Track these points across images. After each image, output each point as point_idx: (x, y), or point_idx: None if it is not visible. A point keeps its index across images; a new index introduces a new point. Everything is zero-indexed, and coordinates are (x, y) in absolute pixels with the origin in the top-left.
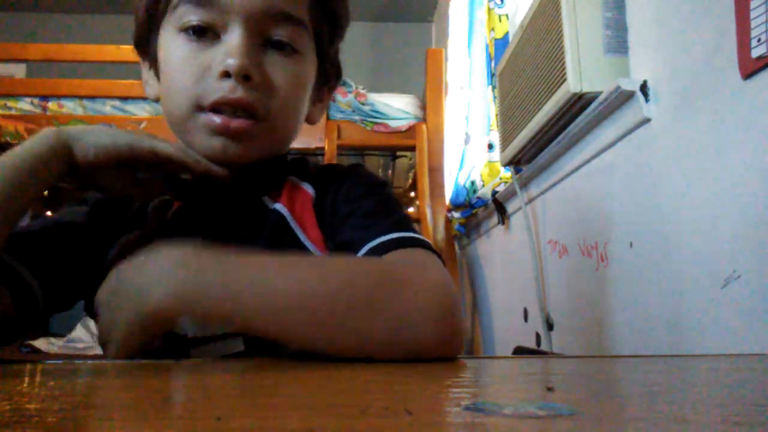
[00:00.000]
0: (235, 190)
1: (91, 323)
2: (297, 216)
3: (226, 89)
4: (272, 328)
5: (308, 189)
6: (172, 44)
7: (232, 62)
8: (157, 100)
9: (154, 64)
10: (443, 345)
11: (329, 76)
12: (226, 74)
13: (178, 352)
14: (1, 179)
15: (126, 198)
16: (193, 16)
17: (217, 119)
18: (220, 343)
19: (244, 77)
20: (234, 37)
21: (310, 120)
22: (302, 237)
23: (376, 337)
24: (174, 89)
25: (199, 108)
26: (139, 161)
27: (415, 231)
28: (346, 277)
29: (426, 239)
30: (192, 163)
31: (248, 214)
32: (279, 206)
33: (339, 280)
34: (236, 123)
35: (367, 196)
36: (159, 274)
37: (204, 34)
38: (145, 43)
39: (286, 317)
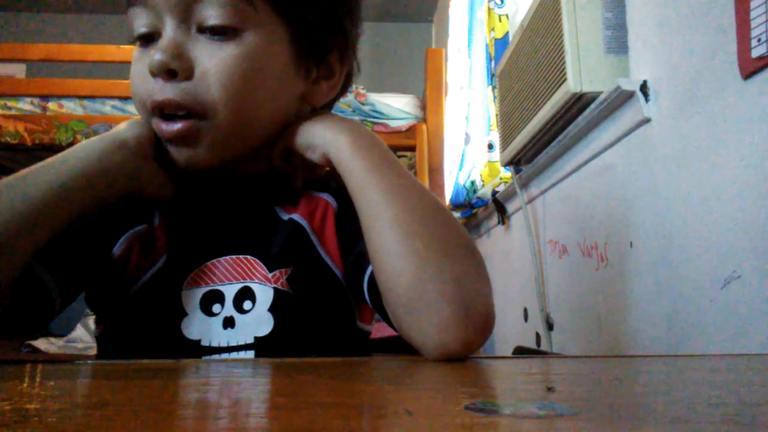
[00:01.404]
0: (245, 196)
1: (91, 323)
2: (315, 228)
3: (156, 90)
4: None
5: (330, 200)
6: (134, 54)
7: (155, 57)
8: None
9: None
10: (474, 328)
11: (325, 45)
12: (153, 73)
13: (188, 357)
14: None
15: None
16: (137, 23)
17: (162, 125)
18: (233, 354)
19: (168, 73)
20: (164, 33)
21: (314, 101)
22: (320, 250)
23: (443, 250)
24: (134, 100)
25: (149, 114)
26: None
27: None
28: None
29: None
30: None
31: (259, 220)
32: (297, 217)
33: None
34: (172, 127)
35: None
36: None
37: (152, 39)
38: None
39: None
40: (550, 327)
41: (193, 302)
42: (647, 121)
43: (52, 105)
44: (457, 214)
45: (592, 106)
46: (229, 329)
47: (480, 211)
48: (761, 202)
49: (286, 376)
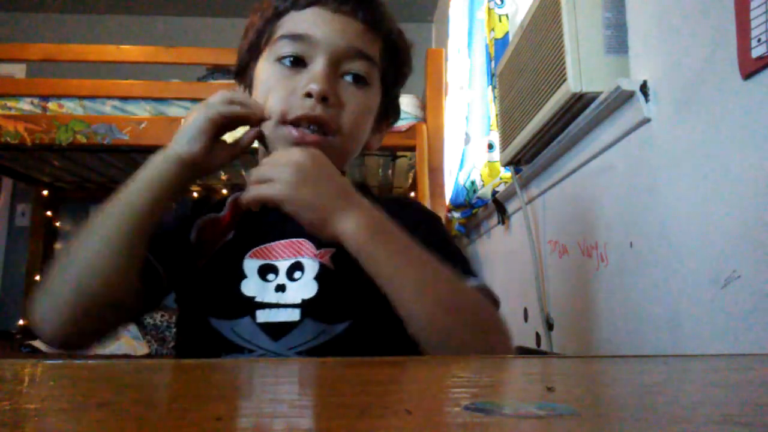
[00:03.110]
0: None
1: None
2: None
3: (307, 107)
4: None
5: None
6: (269, 70)
7: (314, 86)
8: None
9: (248, 88)
10: None
11: (389, 112)
12: (308, 95)
13: (245, 312)
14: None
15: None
16: (288, 49)
17: (295, 132)
18: (282, 310)
19: (322, 99)
20: (318, 67)
21: (369, 146)
22: None
23: (457, 337)
24: (267, 105)
25: (283, 121)
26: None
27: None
28: (461, 288)
29: (489, 288)
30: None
31: None
32: None
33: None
34: (310, 137)
35: (446, 242)
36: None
37: (295, 63)
38: (244, 73)
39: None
40: (550, 327)
41: (252, 269)
42: (647, 121)
43: (52, 105)
44: (457, 214)
45: (592, 106)
46: (279, 293)
47: (480, 211)
48: (761, 201)
49: (287, 377)
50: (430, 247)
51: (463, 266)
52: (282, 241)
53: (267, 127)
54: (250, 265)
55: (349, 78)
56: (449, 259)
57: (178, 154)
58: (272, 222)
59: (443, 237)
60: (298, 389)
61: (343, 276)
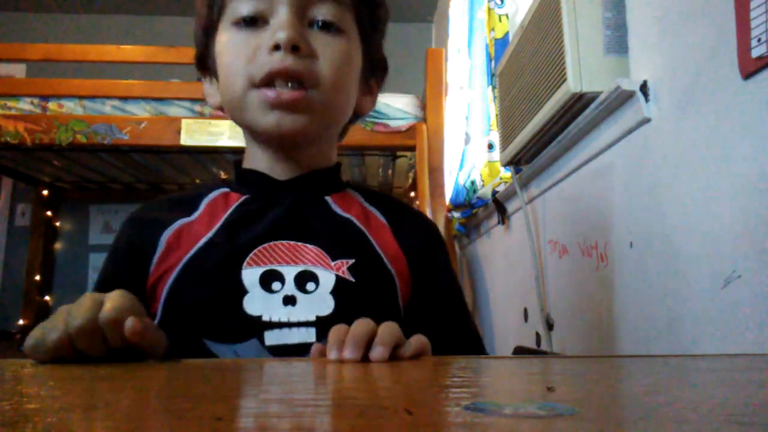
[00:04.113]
0: (297, 186)
1: None
2: (372, 233)
3: (277, 61)
4: None
5: (381, 218)
6: (226, 37)
7: (281, 34)
8: (219, 109)
9: (214, 76)
10: None
11: (375, 67)
12: (276, 47)
13: (252, 334)
14: None
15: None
16: (244, 7)
17: (269, 93)
18: (294, 330)
19: (292, 48)
20: (281, 16)
21: (361, 110)
22: (380, 251)
23: None
24: (229, 73)
25: (253, 85)
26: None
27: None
28: None
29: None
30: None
31: (315, 211)
32: (354, 218)
33: None
34: (288, 94)
35: (453, 277)
36: None
37: (255, 23)
38: (205, 59)
39: None
40: (550, 327)
41: (253, 280)
42: (647, 121)
43: (52, 105)
44: (457, 214)
45: (592, 106)
46: (289, 306)
47: (480, 211)
48: (761, 201)
49: (287, 377)
50: (439, 278)
51: (464, 303)
52: (283, 242)
53: (235, 98)
54: (250, 275)
55: (318, 26)
56: (459, 299)
57: None
58: (269, 220)
59: (451, 271)
60: (298, 389)
61: (363, 290)
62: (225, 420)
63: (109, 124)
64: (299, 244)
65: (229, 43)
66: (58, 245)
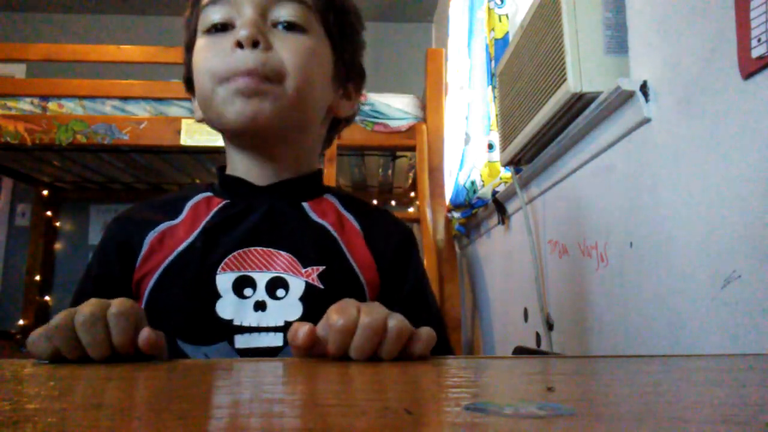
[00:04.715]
0: (275, 192)
1: None
2: (345, 240)
3: (239, 60)
4: None
5: (355, 224)
6: (199, 44)
7: (242, 32)
8: (202, 121)
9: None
10: None
11: (351, 73)
12: (239, 45)
13: (222, 337)
14: None
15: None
16: (213, 16)
17: (232, 84)
18: (264, 334)
19: (254, 44)
20: (244, 17)
21: (338, 111)
22: (350, 258)
23: None
24: (198, 74)
25: (218, 81)
26: None
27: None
28: None
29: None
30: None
31: (290, 218)
32: (328, 225)
33: None
34: (250, 81)
35: (423, 276)
36: None
37: (225, 29)
38: (190, 76)
39: None
40: (550, 327)
41: (227, 285)
42: (647, 121)
43: (52, 105)
44: (457, 214)
45: (592, 106)
46: (259, 311)
47: (480, 211)
48: (761, 201)
49: (287, 377)
50: (407, 279)
51: (431, 302)
52: (257, 248)
53: (205, 98)
54: (224, 280)
55: (282, 27)
56: (425, 297)
57: None
58: (246, 226)
59: (419, 270)
60: (297, 389)
61: (332, 297)
62: (223, 419)
63: (109, 124)
64: (272, 250)
65: (199, 48)
66: (58, 245)
